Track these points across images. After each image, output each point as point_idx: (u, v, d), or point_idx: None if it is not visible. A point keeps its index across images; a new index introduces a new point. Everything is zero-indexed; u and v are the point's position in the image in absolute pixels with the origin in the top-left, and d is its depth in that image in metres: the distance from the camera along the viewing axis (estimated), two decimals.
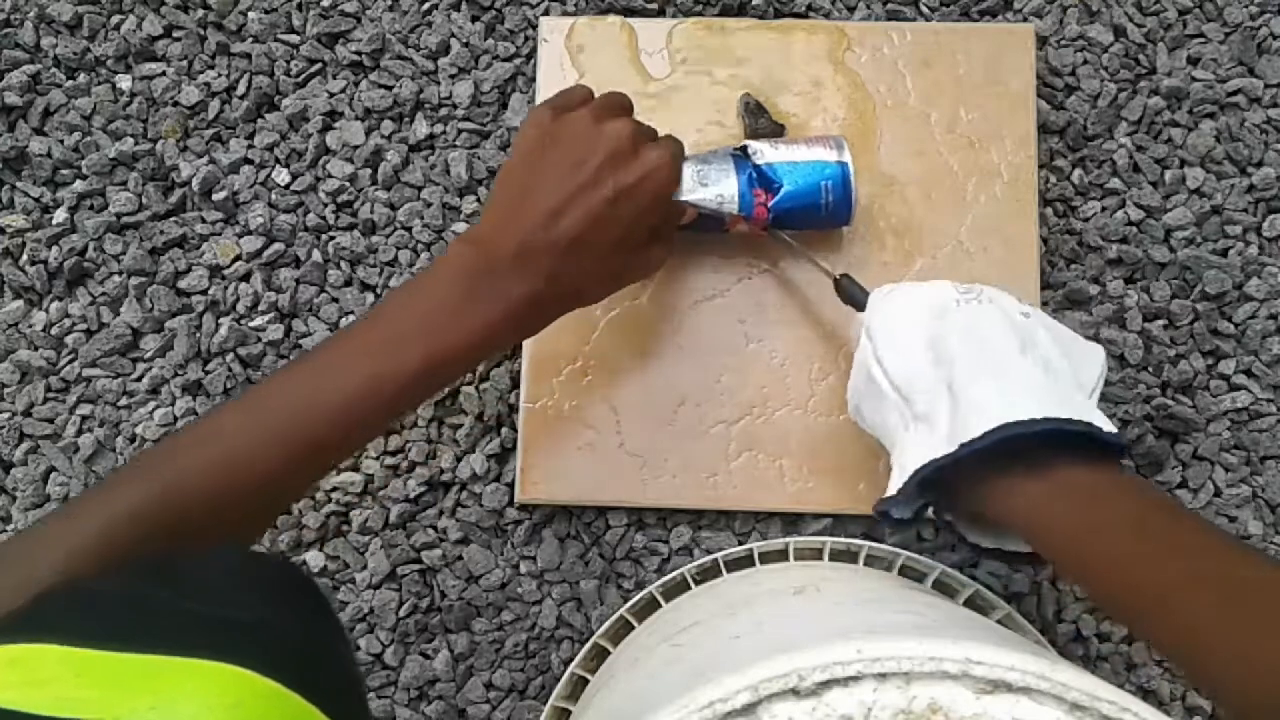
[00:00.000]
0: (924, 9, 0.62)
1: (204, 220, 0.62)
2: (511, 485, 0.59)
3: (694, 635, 0.46)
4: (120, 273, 0.62)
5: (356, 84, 0.63)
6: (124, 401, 0.61)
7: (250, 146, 0.62)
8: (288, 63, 0.63)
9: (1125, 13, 0.62)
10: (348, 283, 0.61)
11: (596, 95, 0.50)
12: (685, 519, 0.59)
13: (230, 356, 0.61)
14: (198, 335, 0.61)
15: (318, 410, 0.42)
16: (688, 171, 0.53)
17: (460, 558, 0.59)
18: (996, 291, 0.47)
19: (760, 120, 0.59)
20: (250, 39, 0.63)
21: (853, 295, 0.52)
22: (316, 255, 0.61)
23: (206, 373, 0.61)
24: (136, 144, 0.62)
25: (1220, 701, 0.36)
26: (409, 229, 0.61)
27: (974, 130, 0.59)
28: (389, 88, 0.63)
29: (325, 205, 0.62)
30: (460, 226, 0.61)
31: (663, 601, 0.56)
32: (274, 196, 0.62)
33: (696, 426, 0.58)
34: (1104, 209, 0.61)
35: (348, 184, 0.62)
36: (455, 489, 0.60)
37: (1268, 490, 0.58)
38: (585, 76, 0.60)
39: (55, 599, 0.31)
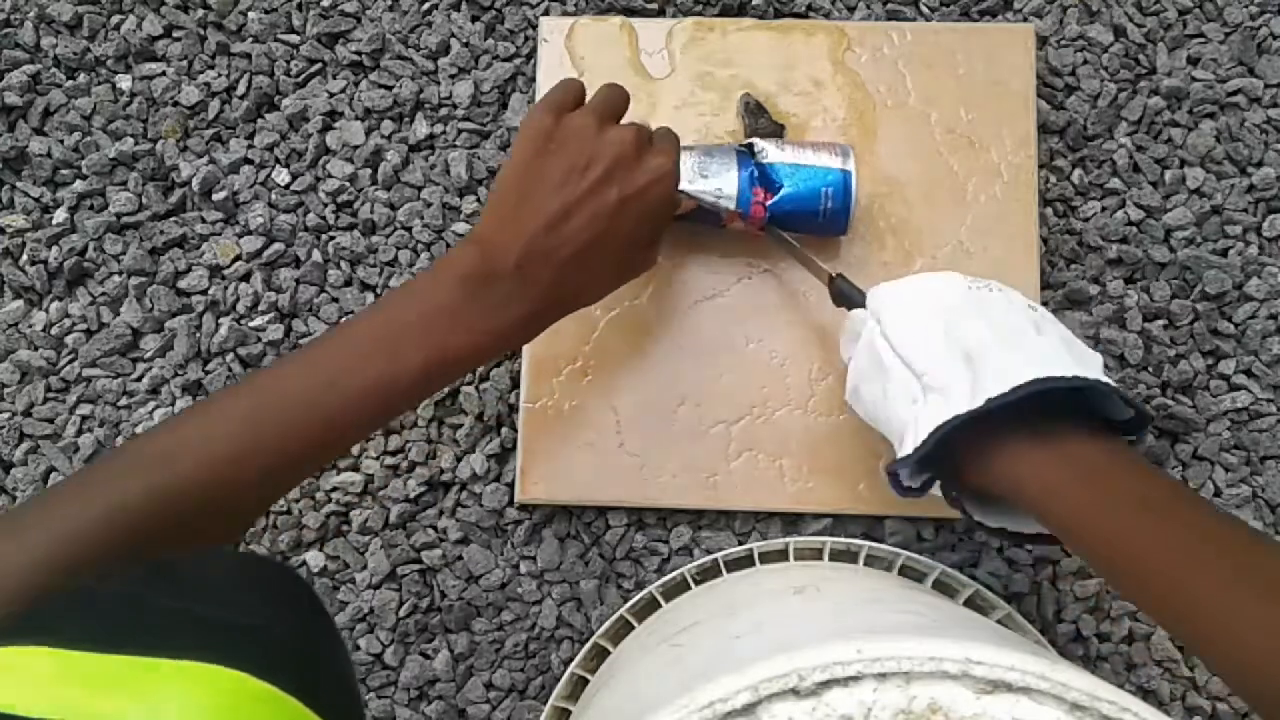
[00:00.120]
0: (924, 9, 0.62)
1: (204, 220, 0.62)
2: (511, 485, 0.59)
3: (694, 635, 0.46)
4: (120, 273, 0.62)
5: (356, 84, 0.63)
6: (124, 401, 0.61)
7: (250, 146, 0.62)
8: (288, 63, 0.63)
9: (1125, 13, 0.62)
10: (348, 283, 0.61)
11: (592, 90, 0.50)
12: (685, 519, 0.59)
13: (230, 356, 0.61)
14: (198, 335, 0.61)
15: (318, 410, 0.42)
16: (689, 161, 0.53)
17: (460, 558, 0.59)
18: (1003, 285, 0.47)
19: (760, 120, 0.59)
20: (250, 39, 0.63)
21: (847, 295, 0.52)
22: (316, 255, 0.61)
23: (206, 373, 0.61)
24: (136, 144, 0.62)
25: (1230, 680, 0.36)
26: (409, 229, 0.61)
27: (974, 130, 0.59)
28: (389, 88, 0.63)
29: (325, 205, 0.62)
30: (460, 227, 0.61)
31: (663, 601, 0.56)
32: (274, 196, 0.62)
33: (696, 426, 0.58)
34: (1104, 209, 0.61)
35: (348, 184, 0.62)
36: (455, 489, 0.60)
37: (1268, 490, 0.58)
38: (585, 76, 0.60)
39: (53, 600, 0.31)
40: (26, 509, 0.40)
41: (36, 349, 0.61)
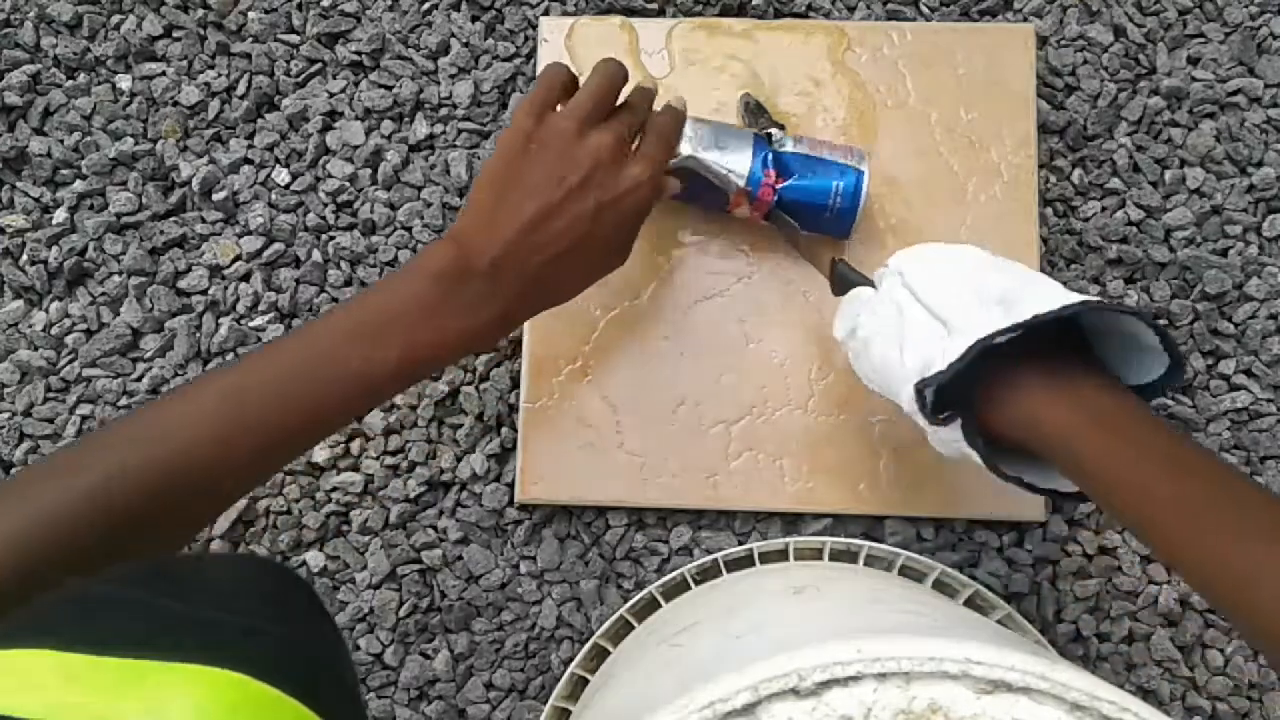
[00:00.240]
0: (924, 9, 0.62)
1: (204, 220, 0.62)
2: (511, 485, 0.59)
3: (694, 635, 0.46)
4: (120, 273, 0.62)
5: (356, 84, 0.63)
6: (124, 401, 0.61)
7: (250, 146, 0.62)
8: (288, 63, 0.63)
9: (1125, 13, 0.62)
10: (348, 283, 0.61)
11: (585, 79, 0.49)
12: (685, 519, 0.59)
13: (230, 356, 0.61)
14: (198, 335, 0.61)
15: (292, 403, 0.43)
16: (707, 131, 0.53)
17: (460, 558, 0.59)
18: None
19: (760, 120, 0.59)
20: (250, 39, 0.63)
21: (848, 278, 0.51)
22: (316, 255, 0.61)
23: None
24: (136, 144, 0.62)
25: (1252, 631, 0.36)
26: (409, 229, 0.61)
27: (974, 130, 0.59)
28: (389, 88, 0.63)
29: (325, 205, 0.62)
30: None
31: (663, 601, 0.56)
32: (274, 196, 0.62)
33: (696, 426, 0.58)
34: (1104, 209, 0.61)
35: (348, 184, 0.62)
36: (455, 489, 0.60)
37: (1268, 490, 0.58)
38: (585, 76, 0.60)
39: (52, 602, 0.31)
40: (6, 483, 0.40)
41: (36, 349, 0.61)
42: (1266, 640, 0.35)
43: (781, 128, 0.59)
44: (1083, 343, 0.45)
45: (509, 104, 0.62)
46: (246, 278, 0.61)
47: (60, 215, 0.62)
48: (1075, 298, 0.41)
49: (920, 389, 0.43)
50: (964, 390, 0.43)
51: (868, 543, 0.56)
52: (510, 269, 0.46)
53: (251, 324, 0.61)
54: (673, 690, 0.31)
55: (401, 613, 0.59)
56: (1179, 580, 0.58)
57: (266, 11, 0.63)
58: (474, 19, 0.63)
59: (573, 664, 0.56)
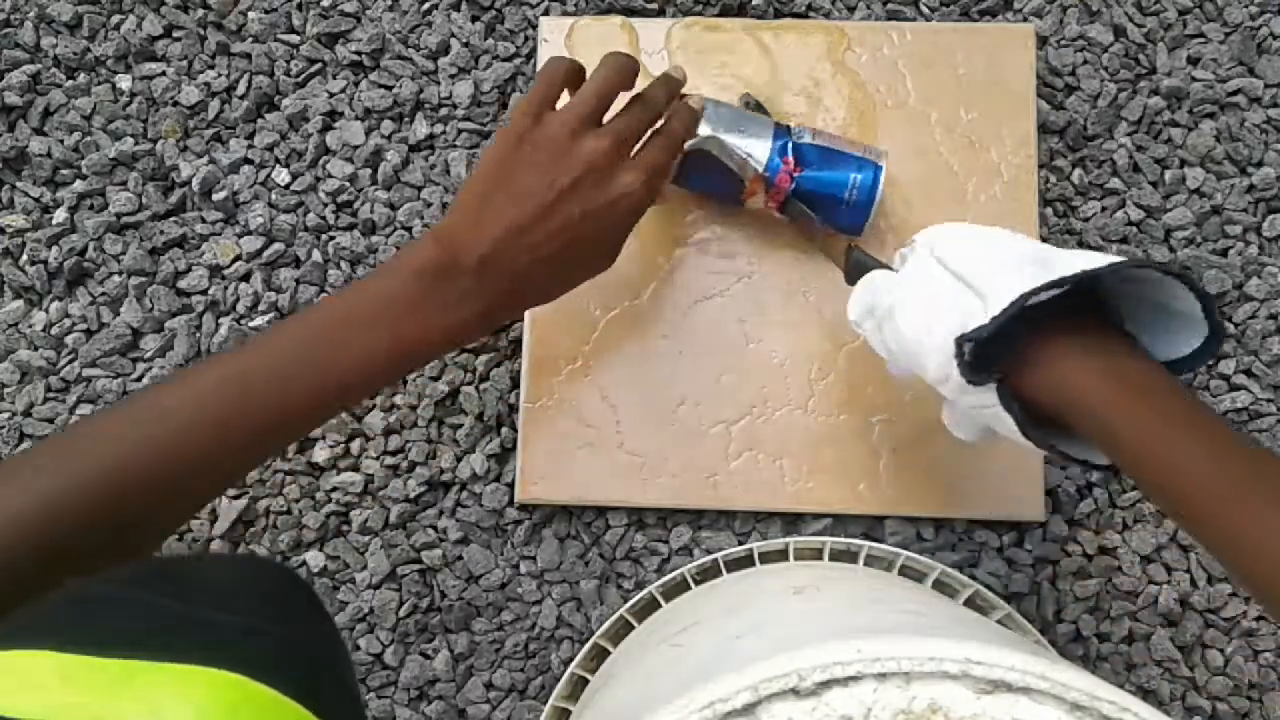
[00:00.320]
0: (924, 9, 0.62)
1: (204, 220, 0.62)
2: (511, 485, 0.59)
3: (694, 635, 0.46)
4: (120, 273, 0.62)
5: (356, 84, 0.63)
6: None
7: (250, 146, 0.62)
8: (288, 63, 0.63)
9: (1125, 13, 0.62)
10: (348, 282, 0.61)
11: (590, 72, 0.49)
12: (685, 519, 0.59)
13: None
14: (198, 335, 0.61)
15: (292, 385, 0.43)
16: (727, 113, 0.54)
17: (460, 558, 0.59)
18: None
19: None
20: (250, 39, 0.63)
21: (863, 264, 0.51)
22: (316, 255, 0.61)
23: None
24: (136, 144, 0.62)
25: None
26: (409, 229, 0.61)
27: (974, 130, 0.59)
28: (389, 88, 0.63)
29: (325, 205, 0.62)
30: None
31: (663, 601, 0.56)
32: (274, 196, 0.62)
33: (696, 426, 0.58)
34: (1104, 209, 0.61)
35: (348, 184, 0.62)
36: (455, 489, 0.60)
37: None
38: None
39: (51, 603, 0.31)
40: (3, 464, 0.40)
41: (36, 349, 0.61)
42: None
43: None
44: (1114, 317, 0.44)
45: (509, 104, 0.62)
46: (246, 278, 0.61)
47: (60, 215, 0.62)
48: (1117, 258, 0.40)
49: (961, 342, 0.41)
50: (997, 356, 0.42)
51: (868, 543, 0.56)
52: (495, 268, 0.46)
53: (251, 324, 0.61)
54: (673, 690, 0.31)
55: (401, 613, 0.59)
56: (1178, 580, 0.58)
57: (266, 11, 0.63)
58: (474, 19, 0.63)
59: (573, 664, 0.56)
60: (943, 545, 0.58)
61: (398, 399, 0.60)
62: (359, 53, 0.63)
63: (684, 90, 0.53)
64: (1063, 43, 0.62)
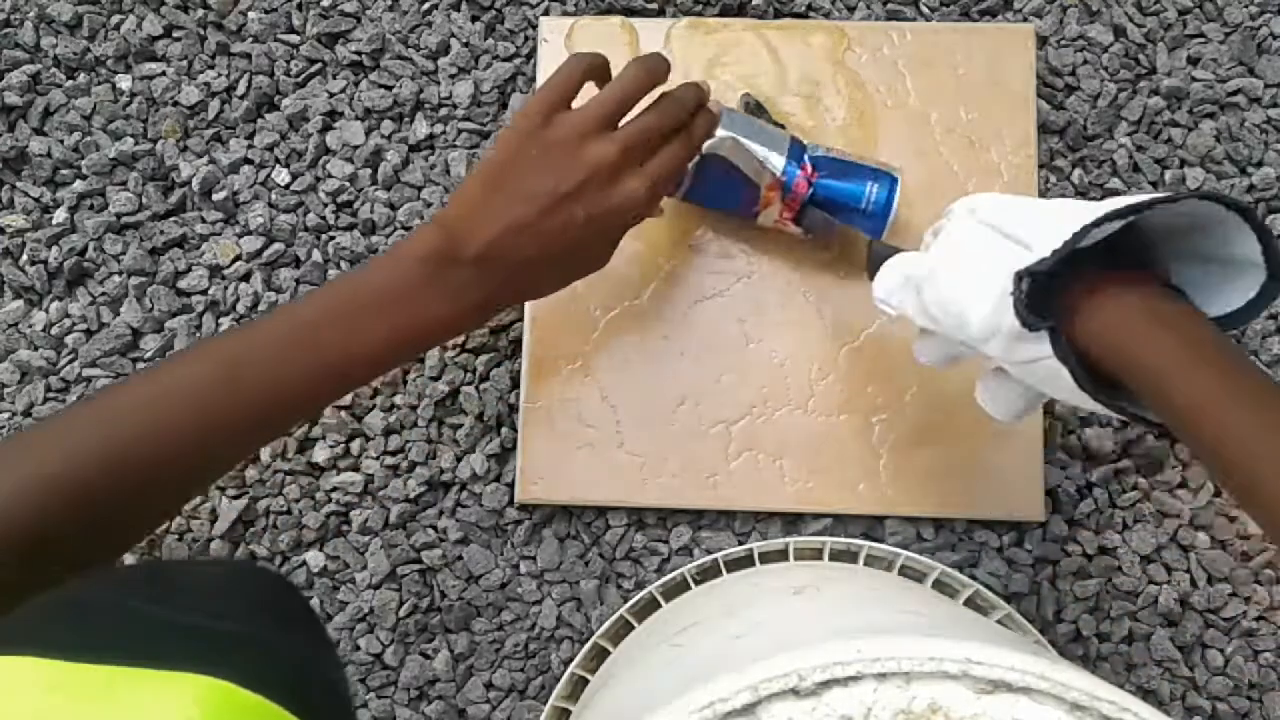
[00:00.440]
0: (924, 9, 0.62)
1: (204, 220, 0.62)
2: (511, 485, 0.59)
3: (694, 635, 0.46)
4: (120, 273, 0.62)
5: (356, 84, 0.63)
6: None
7: (250, 146, 0.62)
8: (288, 63, 0.63)
9: (1125, 13, 0.62)
10: None
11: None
12: (685, 519, 0.59)
13: None
14: (198, 335, 0.61)
15: (284, 385, 0.44)
16: (746, 123, 0.54)
17: (460, 558, 0.59)
18: None
19: (760, 120, 0.59)
20: (250, 39, 0.63)
21: (883, 256, 0.50)
22: (316, 255, 0.61)
23: None
24: (136, 144, 0.62)
25: None
26: (409, 229, 0.61)
27: (974, 130, 0.59)
28: (389, 88, 0.63)
29: (325, 205, 0.62)
30: None
31: (663, 601, 0.56)
32: (274, 196, 0.62)
33: (696, 426, 0.58)
34: None
35: (348, 184, 0.62)
36: (455, 489, 0.60)
37: None
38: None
39: (36, 609, 0.31)
40: (11, 439, 0.41)
41: (36, 349, 0.61)
42: None
43: (782, 127, 0.59)
44: (1161, 274, 0.42)
45: (509, 104, 0.62)
46: (246, 278, 0.61)
47: (60, 215, 0.62)
48: (1169, 194, 0.39)
49: (1020, 277, 0.40)
50: (1046, 308, 0.40)
51: (868, 543, 0.56)
52: (493, 262, 0.46)
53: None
54: (673, 690, 0.31)
55: (401, 613, 0.59)
56: (1179, 580, 0.58)
57: (266, 11, 0.63)
58: (474, 19, 0.63)
59: (573, 664, 0.56)
60: (943, 545, 0.58)
61: (398, 399, 0.60)
62: (359, 53, 0.63)
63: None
64: (1063, 43, 0.62)
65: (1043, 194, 0.60)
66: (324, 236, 0.62)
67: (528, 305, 0.59)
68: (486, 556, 0.59)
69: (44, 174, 0.62)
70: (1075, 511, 0.58)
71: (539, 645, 0.59)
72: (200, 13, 0.63)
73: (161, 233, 0.62)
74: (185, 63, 0.63)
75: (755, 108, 0.59)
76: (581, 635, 0.58)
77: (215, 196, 0.62)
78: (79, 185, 0.62)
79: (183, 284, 0.62)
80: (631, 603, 0.56)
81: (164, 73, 0.63)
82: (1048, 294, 0.40)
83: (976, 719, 0.29)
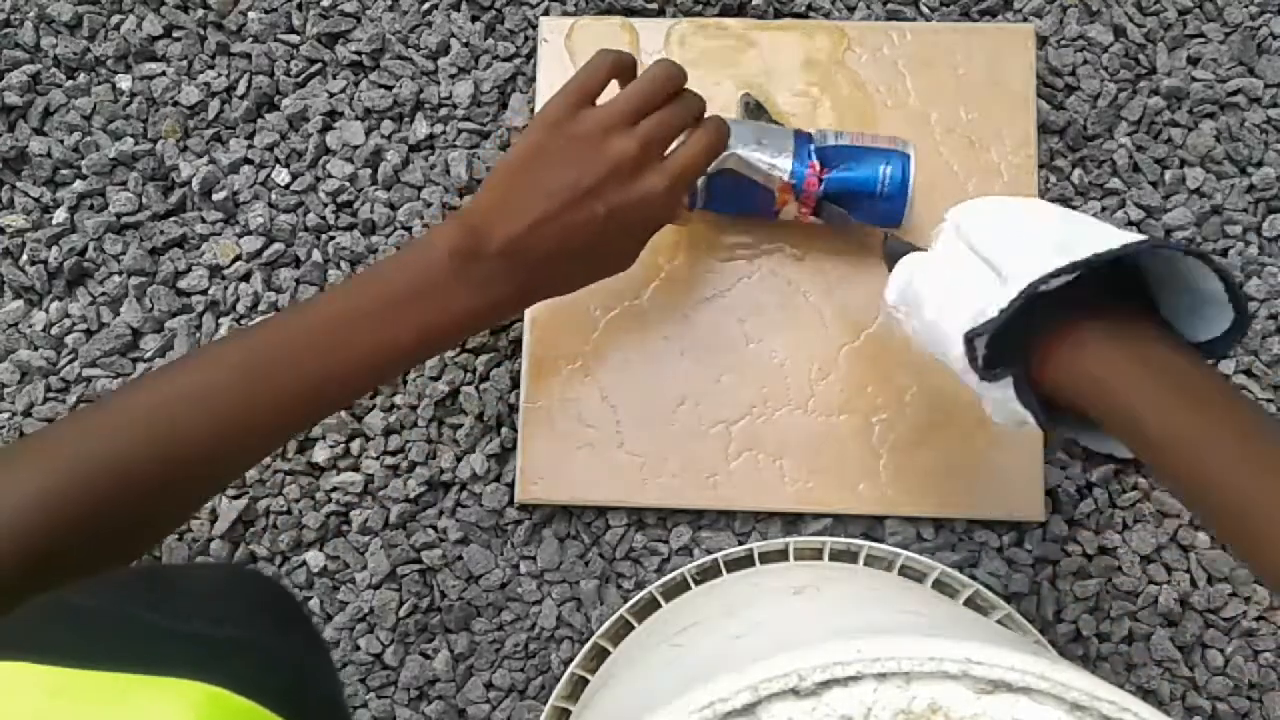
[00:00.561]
0: (924, 9, 0.62)
1: (204, 220, 0.62)
2: (511, 485, 0.59)
3: (694, 635, 0.46)
4: (120, 273, 0.62)
5: (356, 84, 0.63)
6: None
7: (250, 146, 0.62)
8: (288, 63, 0.63)
9: (1125, 13, 0.62)
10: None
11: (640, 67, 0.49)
12: (685, 519, 0.59)
13: None
14: (198, 335, 0.61)
15: (313, 377, 0.44)
16: (747, 130, 0.53)
17: (460, 558, 0.59)
18: None
19: (760, 120, 0.59)
20: (250, 39, 0.63)
21: (897, 251, 0.50)
22: (316, 255, 0.61)
23: None
24: (136, 144, 0.62)
25: None
26: (409, 229, 0.61)
27: (974, 130, 0.59)
28: (389, 88, 0.63)
29: (325, 205, 0.62)
30: None
31: (663, 601, 0.56)
32: (274, 196, 0.62)
33: (696, 426, 0.58)
34: (1104, 209, 0.61)
35: (348, 184, 0.62)
36: (455, 489, 0.60)
37: None
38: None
39: (35, 614, 0.31)
40: (19, 446, 0.40)
41: (36, 349, 0.61)
42: None
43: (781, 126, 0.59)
44: (1146, 298, 0.42)
45: (509, 104, 0.62)
46: (246, 278, 0.61)
47: (60, 215, 0.62)
48: (1135, 237, 0.38)
49: (970, 338, 0.40)
50: (1018, 344, 0.41)
51: (868, 543, 0.56)
52: (518, 255, 0.46)
53: (252, 324, 0.61)
54: (673, 690, 0.31)
55: (401, 613, 0.59)
56: (1179, 580, 0.58)
57: (266, 11, 0.63)
58: (474, 19, 0.63)
59: (573, 664, 0.56)
60: (943, 545, 0.58)
61: (398, 399, 0.60)
62: (359, 53, 0.63)
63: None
64: (1063, 43, 0.62)
65: (1043, 194, 0.60)
66: (324, 236, 0.62)
67: None
68: (486, 556, 0.59)
69: (44, 174, 0.62)
70: (1075, 511, 0.58)
71: (539, 645, 0.59)
72: (200, 13, 0.63)
73: (161, 233, 0.62)
74: (185, 63, 0.63)
75: (755, 108, 0.59)
76: (581, 635, 0.58)
77: (215, 196, 0.62)
78: (79, 185, 0.62)
79: (183, 284, 0.62)
80: (631, 603, 0.56)
81: (164, 73, 0.63)
82: (1015, 330, 0.40)
83: (976, 719, 0.29)
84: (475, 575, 0.59)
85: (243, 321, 0.61)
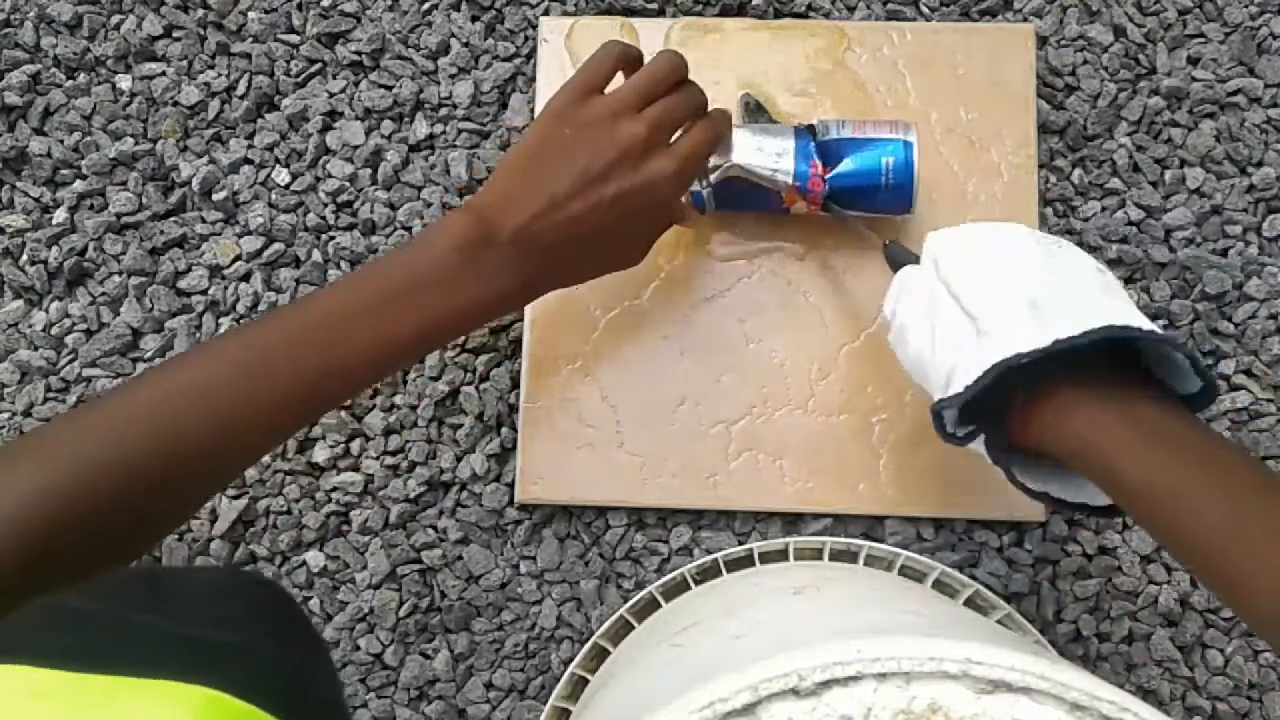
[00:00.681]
0: (924, 9, 0.62)
1: (204, 220, 0.62)
2: (511, 485, 0.59)
3: (694, 635, 0.46)
4: (120, 273, 0.62)
5: (356, 84, 0.63)
6: None
7: (250, 146, 0.62)
8: (288, 63, 0.63)
9: (1125, 13, 0.62)
10: None
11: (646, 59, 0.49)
12: (685, 519, 0.59)
13: None
14: (198, 335, 0.61)
15: (315, 373, 0.43)
16: (746, 136, 0.53)
17: (460, 558, 0.59)
18: (1072, 245, 0.46)
19: (760, 120, 0.59)
20: (250, 39, 0.63)
21: (897, 259, 0.51)
22: (316, 255, 0.61)
23: None
24: (136, 144, 0.62)
25: None
26: (409, 229, 0.61)
27: (974, 130, 0.59)
28: (389, 88, 0.63)
29: (325, 205, 0.62)
30: None
31: (663, 601, 0.56)
32: (274, 196, 0.62)
33: (696, 426, 0.58)
34: (1104, 209, 0.61)
35: (348, 184, 0.62)
36: (455, 489, 0.60)
37: None
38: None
39: (31, 617, 0.31)
40: (18, 444, 0.40)
41: (36, 349, 0.61)
42: None
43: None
44: (1126, 344, 0.42)
45: (509, 104, 0.62)
46: (246, 278, 0.61)
47: (60, 215, 0.62)
48: (1101, 319, 0.39)
49: (937, 411, 0.42)
50: (992, 399, 0.41)
51: (868, 543, 0.56)
52: (528, 242, 0.46)
53: (252, 320, 0.61)
54: (673, 690, 0.31)
55: (401, 613, 0.59)
56: (1179, 580, 0.58)
57: (266, 11, 0.63)
58: (474, 19, 0.63)
59: (573, 664, 0.56)
60: (943, 545, 0.58)
61: (398, 399, 0.60)
62: (359, 53, 0.63)
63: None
64: (1063, 43, 0.62)
65: (1042, 194, 0.60)
66: (324, 236, 0.62)
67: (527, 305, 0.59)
68: (486, 556, 0.59)
69: (44, 174, 0.62)
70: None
71: (539, 645, 0.59)
72: (200, 13, 0.63)
73: (161, 233, 0.62)
74: (185, 63, 0.63)
75: (755, 108, 0.59)
76: (581, 635, 0.58)
77: (215, 196, 0.62)
78: (79, 185, 0.62)
79: (183, 284, 0.62)
80: (631, 603, 0.56)
81: (164, 73, 0.63)
82: (989, 392, 0.41)
83: (976, 719, 0.29)
84: (475, 575, 0.59)
85: (242, 322, 0.61)
